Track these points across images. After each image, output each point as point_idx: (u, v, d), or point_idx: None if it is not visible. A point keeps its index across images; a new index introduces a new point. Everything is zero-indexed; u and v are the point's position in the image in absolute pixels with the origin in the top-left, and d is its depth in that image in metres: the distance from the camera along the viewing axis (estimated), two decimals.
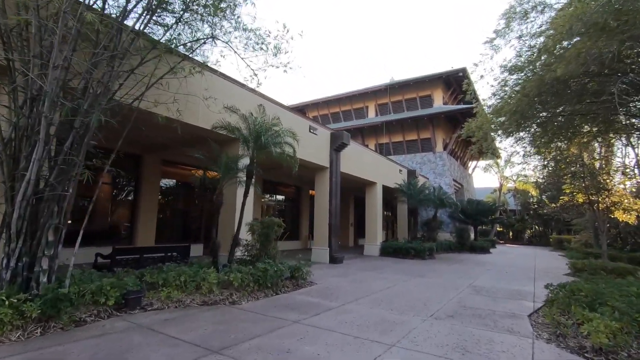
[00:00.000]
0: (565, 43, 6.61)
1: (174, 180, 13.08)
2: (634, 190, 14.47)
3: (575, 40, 6.27)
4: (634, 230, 18.20)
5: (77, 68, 4.58)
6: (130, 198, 11.56)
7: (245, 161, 7.20)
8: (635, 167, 12.41)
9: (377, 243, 15.52)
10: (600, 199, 13.18)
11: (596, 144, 13.32)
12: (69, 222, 4.79)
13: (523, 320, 5.18)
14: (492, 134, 10.77)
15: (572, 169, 13.56)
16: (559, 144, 11.14)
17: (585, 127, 9.62)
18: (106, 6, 5.04)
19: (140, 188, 11.42)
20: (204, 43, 6.02)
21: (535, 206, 34.71)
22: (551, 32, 6.74)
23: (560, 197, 18.51)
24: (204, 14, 5.64)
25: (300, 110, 27.86)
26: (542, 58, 7.13)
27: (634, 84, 7.20)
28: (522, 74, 7.92)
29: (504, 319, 5.17)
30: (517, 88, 8.08)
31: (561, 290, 5.75)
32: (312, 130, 11.24)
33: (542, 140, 9.78)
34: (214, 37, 5.96)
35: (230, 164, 6.81)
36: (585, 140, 10.73)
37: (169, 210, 13.11)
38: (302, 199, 19.14)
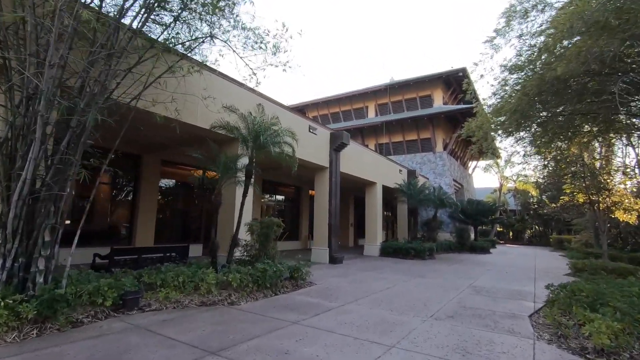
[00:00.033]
0: (565, 42, 6.59)
1: (174, 180, 13.04)
2: (634, 190, 14.44)
3: (575, 39, 6.24)
4: (634, 230, 18.18)
5: (74, 67, 4.54)
6: (129, 198, 11.51)
7: (244, 161, 7.17)
8: (636, 166, 12.38)
9: (377, 243, 15.49)
10: (600, 199, 13.15)
11: (596, 144, 13.30)
12: (68, 222, 4.76)
13: (524, 320, 5.15)
14: (492, 133, 10.74)
15: (573, 168, 13.53)
16: (559, 143, 11.12)
17: (586, 126, 9.60)
18: (103, 4, 5.00)
19: (139, 188, 11.38)
20: (203, 42, 5.98)
21: (536, 206, 34.70)
22: (552, 30, 6.71)
23: (561, 197, 18.50)
24: (203, 13, 5.60)
25: (300, 110, 27.82)
26: (543, 57, 7.10)
27: (634, 83, 7.18)
28: (523, 73, 7.89)
29: (505, 320, 5.14)
30: (517, 87, 8.05)
31: (562, 291, 5.71)
32: (311, 130, 11.20)
33: (543, 140, 9.75)
34: (212, 36, 5.92)
35: (228, 164, 6.78)
36: (585, 140, 10.71)
37: (169, 210, 13.06)
38: (301, 199, 19.10)
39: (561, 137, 10.02)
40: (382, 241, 16.36)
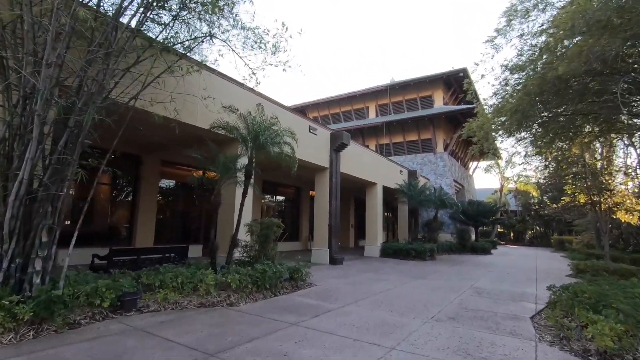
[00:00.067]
0: (567, 42, 6.55)
1: (173, 181, 13.01)
2: (636, 190, 14.37)
3: (577, 38, 6.20)
4: (636, 231, 18.10)
5: (72, 66, 4.51)
6: (129, 199, 11.49)
7: (243, 161, 7.13)
8: (638, 167, 12.33)
9: (378, 244, 15.44)
10: (602, 200, 13.08)
11: (598, 144, 13.24)
12: (67, 222, 4.72)
13: (525, 322, 5.10)
14: (493, 134, 10.68)
15: (574, 169, 13.45)
16: (561, 144, 11.06)
17: (587, 127, 9.55)
18: (101, 3, 4.96)
19: (139, 188, 11.35)
20: (202, 42, 5.95)
21: (537, 207, 34.59)
22: (553, 30, 6.67)
23: (562, 198, 18.40)
24: (202, 12, 5.57)
25: (301, 110, 27.82)
26: (544, 57, 7.06)
27: (636, 83, 7.13)
28: (524, 73, 7.85)
29: (506, 321, 5.09)
30: (518, 87, 8.01)
31: (564, 292, 5.66)
32: (311, 130, 11.17)
33: (544, 140, 9.70)
34: (211, 36, 5.89)
35: (228, 164, 6.74)
36: (586, 140, 10.65)
37: (168, 210, 13.04)
38: (302, 200, 19.06)
39: (562, 137, 9.97)
40: (383, 242, 16.31)
